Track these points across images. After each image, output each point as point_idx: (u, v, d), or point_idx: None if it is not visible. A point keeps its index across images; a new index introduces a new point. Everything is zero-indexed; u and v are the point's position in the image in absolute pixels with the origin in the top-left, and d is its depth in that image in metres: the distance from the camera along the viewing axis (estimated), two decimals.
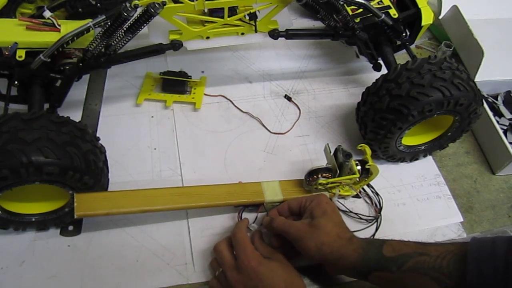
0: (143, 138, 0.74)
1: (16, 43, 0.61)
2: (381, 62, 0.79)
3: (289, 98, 0.83)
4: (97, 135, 0.65)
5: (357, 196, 0.70)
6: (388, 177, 0.73)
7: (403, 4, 0.79)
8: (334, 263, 0.54)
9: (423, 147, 0.73)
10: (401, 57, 0.83)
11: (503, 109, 0.84)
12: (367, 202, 0.70)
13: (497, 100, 0.86)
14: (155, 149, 0.73)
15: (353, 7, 0.74)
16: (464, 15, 0.89)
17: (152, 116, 0.78)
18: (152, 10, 0.60)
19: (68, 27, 0.63)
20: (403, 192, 0.72)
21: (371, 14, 0.73)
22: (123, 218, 0.64)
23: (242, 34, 0.71)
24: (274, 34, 0.71)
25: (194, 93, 0.80)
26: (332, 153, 0.64)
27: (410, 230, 0.68)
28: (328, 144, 0.65)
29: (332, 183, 0.64)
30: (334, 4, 0.68)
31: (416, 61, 0.65)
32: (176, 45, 0.68)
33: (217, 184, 0.65)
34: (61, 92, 0.68)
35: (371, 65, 0.80)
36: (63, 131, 0.54)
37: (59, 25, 0.63)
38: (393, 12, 0.75)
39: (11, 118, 0.53)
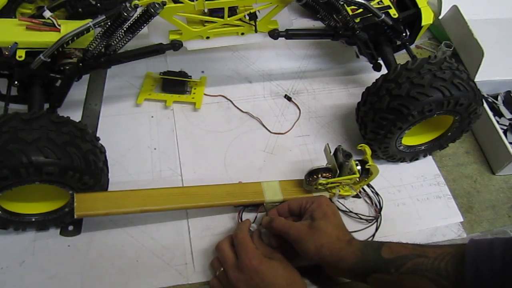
0: (143, 138, 0.74)
1: (16, 43, 0.61)
2: (381, 62, 0.79)
3: (289, 98, 0.83)
4: (97, 135, 0.66)
5: (357, 196, 0.70)
6: (388, 177, 0.73)
7: (403, 4, 0.79)
8: (333, 265, 0.54)
9: (423, 147, 0.73)
10: (401, 57, 0.83)
11: (503, 109, 0.84)
12: (367, 202, 0.70)
13: (497, 100, 0.86)
14: (155, 149, 0.73)
15: (353, 7, 0.74)
16: (464, 15, 0.89)
17: (152, 116, 0.78)
18: (152, 10, 0.60)
19: (68, 27, 0.63)
20: (403, 192, 0.72)
21: (371, 14, 0.73)
22: (123, 218, 0.64)
23: (242, 34, 0.71)
24: (274, 34, 0.71)
25: (194, 93, 0.80)
26: (332, 153, 0.64)
27: (410, 230, 0.68)
28: (328, 144, 0.65)
29: (332, 183, 0.64)
30: (334, 4, 0.68)
31: (416, 61, 0.65)
32: (176, 45, 0.68)
33: (217, 184, 0.65)
34: (61, 92, 0.68)
35: (371, 65, 0.80)
36: (63, 131, 0.54)
37: (59, 25, 0.63)
38: (393, 12, 0.75)
39: (11, 118, 0.53)
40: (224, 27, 0.69)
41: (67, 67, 0.66)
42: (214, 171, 0.72)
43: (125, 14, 0.59)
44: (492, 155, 0.78)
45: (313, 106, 0.82)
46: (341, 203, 0.69)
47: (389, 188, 0.72)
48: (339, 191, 0.67)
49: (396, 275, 0.50)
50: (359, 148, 0.66)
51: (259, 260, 0.54)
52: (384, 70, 0.77)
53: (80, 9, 0.71)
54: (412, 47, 0.85)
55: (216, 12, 0.67)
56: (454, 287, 0.47)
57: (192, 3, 0.63)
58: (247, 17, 0.68)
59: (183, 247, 0.63)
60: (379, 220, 0.68)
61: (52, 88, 0.67)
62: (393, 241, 0.55)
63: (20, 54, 0.62)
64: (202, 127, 0.77)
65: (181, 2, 0.63)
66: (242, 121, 0.79)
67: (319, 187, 0.65)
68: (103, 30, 0.62)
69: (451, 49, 0.90)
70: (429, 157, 0.77)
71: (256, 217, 0.65)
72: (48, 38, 0.62)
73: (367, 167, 0.64)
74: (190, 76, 0.81)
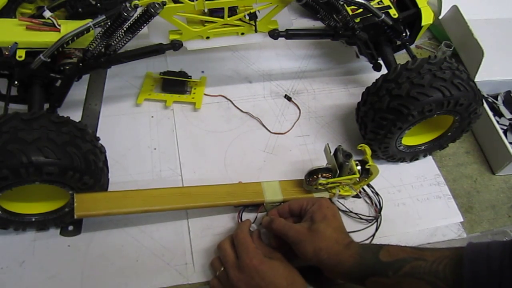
0: (143, 138, 0.74)
1: (16, 43, 0.61)
2: (381, 62, 0.79)
3: (289, 98, 0.83)
4: (97, 135, 0.66)
5: (357, 196, 0.70)
6: (388, 177, 0.73)
7: (403, 4, 0.79)
8: (331, 268, 0.54)
9: (423, 147, 0.73)
10: (401, 57, 0.83)
11: (503, 109, 0.84)
12: (367, 202, 0.70)
13: (497, 100, 0.86)
14: (155, 149, 0.73)
15: (353, 7, 0.74)
16: (464, 15, 0.89)
17: (152, 116, 0.78)
18: (152, 10, 0.60)
19: (68, 27, 0.63)
20: (403, 192, 0.72)
21: (371, 14, 0.73)
22: (123, 218, 0.64)
23: (242, 34, 0.71)
24: (274, 34, 0.71)
25: (194, 93, 0.80)
26: (332, 153, 0.64)
27: (410, 230, 0.68)
28: (328, 144, 0.65)
29: (332, 183, 0.64)
30: (334, 4, 0.68)
31: (416, 61, 0.65)
32: (176, 45, 0.68)
33: (217, 184, 0.65)
34: (61, 92, 0.68)
35: (371, 65, 0.80)
36: (63, 131, 0.54)
37: (59, 25, 0.63)
38: (393, 12, 0.75)
39: (11, 118, 0.53)
40: (224, 27, 0.69)
41: (67, 67, 0.66)
42: (214, 171, 0.72)
43: (125, 14, 0.59)
44: (492, 155, 0.78)
45: (313, 106, 0.82)
46: (341, 203, 0.69)
47: (389, 188, 0.72)
48: (339, 191, 0.67)
49: (394, 278, 0.51)
50: (359, 148, 0.66)
51: (259, 259, 0.54)
52: (384, 70, 0.77)
53: (80, 9, 0.72)
54: (412, 47, 0.85)
55: (216, 12, 0.67)
56: None
57: (192, 3, 0.63)
58: (247, 17, 0.68)
59: (183, 247, 0.63)
60: (379, 220, 0.68)
61: (52, 88, 0.67)
62: (392, 244, 0.55)
63: (20, 54, 0.62)
64: (202, 127, 0.77)
65: (181, 2, 0.63)
66: (242, 121, 0.79)
67: (319, 187, 0.65)
68: (103, 30, 0.62)
69: (451, 49, 0.90)
70: (429, 157, 0.77)
71: (256, 217, 0.65)
72: (48, 38, 0.62)
73: (367, 167, 0.64)
74: (190, 76, 0.81)
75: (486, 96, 0.85)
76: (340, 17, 0.70)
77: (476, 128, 0.81)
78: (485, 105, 0.77)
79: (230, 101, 0.81)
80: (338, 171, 0.63)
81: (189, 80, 0.80)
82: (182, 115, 0.78)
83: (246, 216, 0.65)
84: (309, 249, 0.54)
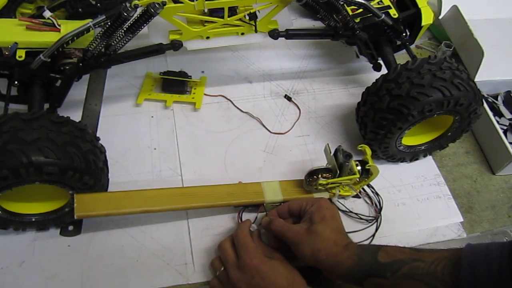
0: (143, 138, 0.74)
1: (16, 43, 0.61)
2: (381, 62, 0.79)
3: (289, 98, 0.83)
4: (97, 135, 0.66)
5: (357, 196, 0.70)
6: (388, 177, 0.73)
7: (403, 4, 0.79)
8: (329, 269, 0.54)
9: (423, 147, 0.73)
10: (401, 57, 0.83)
11: (503, 109, 0.84)
12: (367, 202, 0.70)
13: (497, 100, 0.86)
14: (155, 149, 0.73)
15: (353, 7, 0.74)
16: (464, 15, 0.89)
17: (152, 116, 0.78)
18: (152, 10, 0.60)
19: (68, 27, 0.63)
20: (403, 192, 0.72)
21: (371, 14, 0.73)
22: (123, 218, 0.64)
23: (242, 34, 0.71)
24: (274, 34, 0.71)
25: (194, 93, 0.80)
26: (332, 154, 0.64)
27: (410, 230, 0.68)
28: (328, 144, 0.65)
29: (332, 183, 0.64)
30: (334, 4, 0.68)
31: (416, 61, 0.65)
32: (176, 45, 0.68)
33: (217, 184, 0.65)
34: (61, 92, 0.68)
35: (371, 65, 0.80)
36: (63, 131, 0.54)
37: (59, 25, 0.63)
38: (393, 12, 0.75)
39: (11, 118, 0.53)
40: (224, 27, 0.69)
41: (67, 67, 0.66)
42: (214, 171, 0.72)
43: (125, 14, 0.59)
44: (492, 155, 0.78)
45: (313, 106, 0.82)
46: (341, 203, 0.69)
47: (389, 188, 0.72)
48: (339, 191, 0.67)
49: (392, 279, 0.51)
50: (359, 148, 0.66)
51: (260, 259, 0.54)
52: (384, 70, 0.77)
53: (80, 9, 0.72)
54: (412, 47, 0.85)
55: (216, 12, 0.67)
56: None
57: (192, 3, 0.63)
58: (247, 17, 0.68)
59: (183, 247, 0.63)
60: (379, 220, 0.68)
61: (52, 88, 0.67)
62: (390, 245, 0.55)
63: (20, 54, 0.62)
64: (202, 127, 0.77)
65: (181, 2, 0.63)
66: (242, 121, 0.79)
67: (319, 187, 0.65)
68: (103, 30, 0.62)
69: (451, 49, 0.90)
70: (429, 157, 0.77)
71: (256, 217, 0.65)
72: (48, 38, 0.62)
73: (367, 167, 0.64)
74: (190, 76, 0.81)
75: (486, 96, 0.85)
76: (340, 17, 0.70)
77: (476, 128, 0.81)
78: (485, 105, 0.77)
79: (230, 101, 0.81)
80: (338, 172, 0.63)
81: (189, 80, 0.80)
82: (182, 115, 0.78)
83: (246, 216, 0.65)
84: (307, 250, 0.54)
